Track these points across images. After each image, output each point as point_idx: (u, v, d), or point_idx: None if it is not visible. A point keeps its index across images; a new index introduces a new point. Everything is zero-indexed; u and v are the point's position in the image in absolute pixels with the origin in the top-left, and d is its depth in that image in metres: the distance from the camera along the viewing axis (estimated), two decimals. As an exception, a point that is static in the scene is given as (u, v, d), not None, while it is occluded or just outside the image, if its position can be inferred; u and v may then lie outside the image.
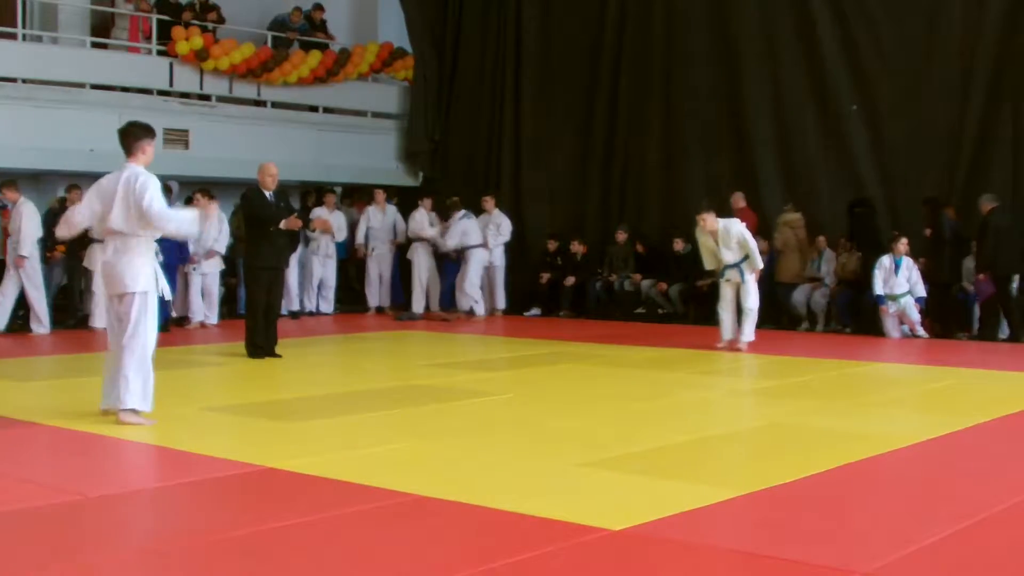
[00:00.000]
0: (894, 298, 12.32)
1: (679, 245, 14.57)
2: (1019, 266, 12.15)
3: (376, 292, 15.69)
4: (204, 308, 13.61)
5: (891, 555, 4.03)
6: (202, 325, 13.47)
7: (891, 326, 12.45)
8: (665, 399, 8.25)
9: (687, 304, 14.57)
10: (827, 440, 6.32)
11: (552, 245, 15.73)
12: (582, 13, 16.28)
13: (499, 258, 15.25)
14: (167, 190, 13.23)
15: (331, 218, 14.99)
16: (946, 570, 4.01)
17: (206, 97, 15.45)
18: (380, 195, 15.67)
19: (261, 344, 9.97)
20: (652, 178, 15.28)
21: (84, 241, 13.12)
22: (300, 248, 13.82)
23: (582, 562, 4.00)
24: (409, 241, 15.32)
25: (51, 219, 13.04)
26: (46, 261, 13.05)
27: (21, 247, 12.08)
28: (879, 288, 12.26)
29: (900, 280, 12.24)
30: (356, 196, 16.78)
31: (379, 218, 15.56)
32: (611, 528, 4.32)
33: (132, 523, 4.51)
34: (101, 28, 15.39)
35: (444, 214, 15.18)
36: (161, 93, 14.92)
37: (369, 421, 7.08)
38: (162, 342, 11.58)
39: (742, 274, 10.95)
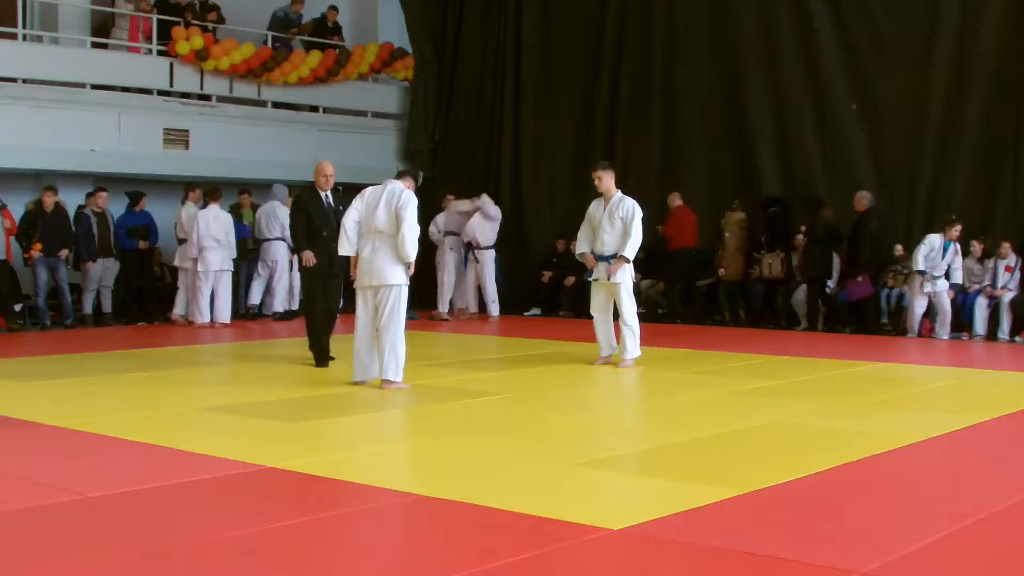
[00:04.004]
0: (933, 276, 12.33)
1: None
2: (890, 267, 12.98)
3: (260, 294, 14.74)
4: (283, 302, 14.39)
5: (891, 555, 4.03)
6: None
7: (916, 315, 12.45)
8: (665, 399, 8.25)
9: (687, 304, 14.60)
10: (827, 440, 6.32)
11: (560, 245, 15.75)
12: (582, 13, 16.28)
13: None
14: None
15: None
16: (946, 570, 4.01)
17: (206, 97, 15.45)
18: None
19: (326, 348, 9.48)
20: (652, 178, 15.28)
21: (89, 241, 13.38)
22: None
23: (582, 562, 4.00)
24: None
25: (27, 220, 13.07)
26: (25, 263, 13.10)
27: None
28: (921, 264, 12.31)
29: (944, 262, 12.29)
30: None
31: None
32: (611, 528, 4.32)
33: (132, 523, 4.50)
34: (101, 28, 15.39)
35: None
36: (161, 93, 14.92)
37: (369, 421, 7.09)
38: (165, 341, 11.69)
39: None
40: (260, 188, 15.39)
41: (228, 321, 13.34)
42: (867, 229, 12.81)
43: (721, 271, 14.18)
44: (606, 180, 9.67)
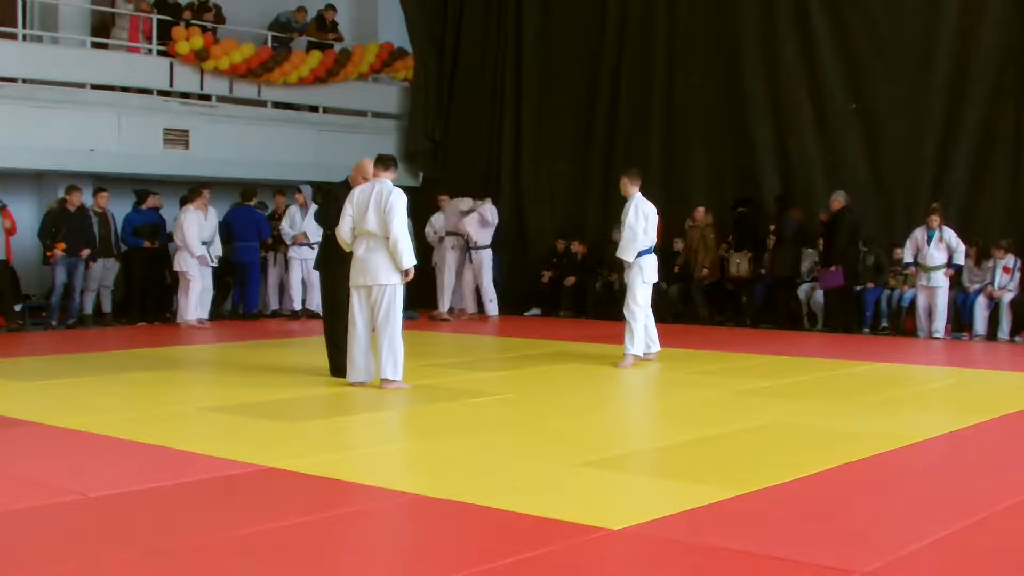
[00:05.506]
0: (926, 269, 12.34)
1: (678, 245, 14.60)
2: (890, 268, 13.15)
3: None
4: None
5: (891, 555, 4.03)
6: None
7: (921, 312, 12.48)
8: (665, 399, 8.25)
9: (687, 304, 14.60)
10: (827, 440, 6.33)
11: (560, 245, 15.76)
12: (583, 13, 16.27)
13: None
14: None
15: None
16: (946, 570, 4.01)
17: (206, 97, 15.44)
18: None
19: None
20: (652, 178, 15.24)
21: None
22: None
23: (582, 562, 4.00)
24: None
25: (50, 220, 13.07)
26: (46, 261, 13.07)
27: None
28: (908, 257, 12.48)
29: (932, 252, 12.31)
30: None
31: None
32: (611, 528, 4.32)
33: (132, 523, 4.50)
34: (101, 28, 15.37)
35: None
36: (161, 93, 14.91)
37: (369, 421, 7.09)
38: (165, 341, 11.69)
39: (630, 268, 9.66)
40: (260, 188, 15.38)
41: (198, 322, 13.35)
42: (843, 226, 12.92)
43: (677, 269, 14.32)
44: (623, 186, 9.83)
